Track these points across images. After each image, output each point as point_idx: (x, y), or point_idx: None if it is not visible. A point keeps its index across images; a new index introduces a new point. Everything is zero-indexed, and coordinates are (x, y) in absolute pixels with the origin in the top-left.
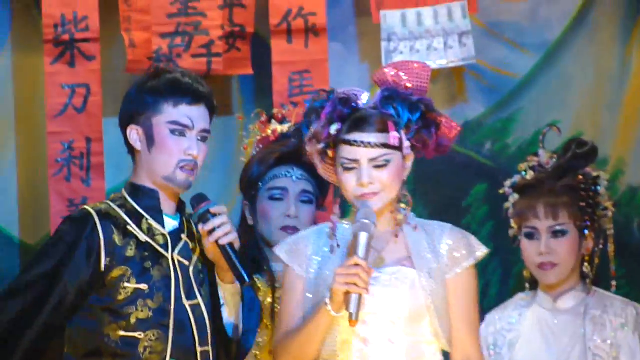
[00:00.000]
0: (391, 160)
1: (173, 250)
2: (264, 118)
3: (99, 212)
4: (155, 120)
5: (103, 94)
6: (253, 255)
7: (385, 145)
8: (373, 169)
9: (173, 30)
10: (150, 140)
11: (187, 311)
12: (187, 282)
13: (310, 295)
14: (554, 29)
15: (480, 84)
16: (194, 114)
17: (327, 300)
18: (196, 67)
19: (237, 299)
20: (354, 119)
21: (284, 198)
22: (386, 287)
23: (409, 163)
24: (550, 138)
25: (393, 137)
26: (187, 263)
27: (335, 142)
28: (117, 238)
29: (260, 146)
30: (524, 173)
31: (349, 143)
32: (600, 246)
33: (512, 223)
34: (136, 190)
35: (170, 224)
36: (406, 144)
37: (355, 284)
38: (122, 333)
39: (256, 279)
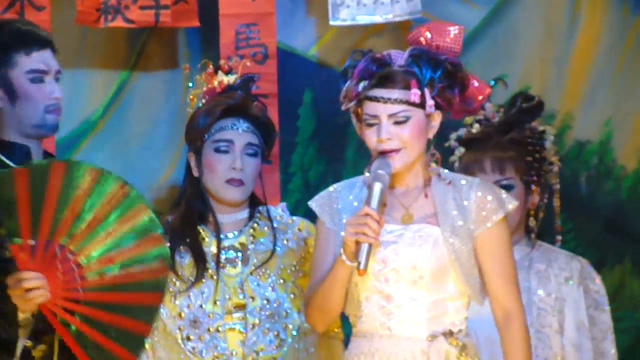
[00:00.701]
0: (411, 117)
1: None
2: (210, 69)
3: None
4: (12, 74)
5: None
6: (198, 207)
7: (406, 102)
8: (393, 125)
9: None
10: (11, 94)
11: None
12: None
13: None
14: None
15: None
16: (46, 58)
17: (341, 250)
18: (144, 19)
19: None
20: (378, 76)
21: (230, 150)
22: (409, 246)
23: (435, 123)
24: (497, 92)
25: (414, 93)
26: None
27: (361, 100)
28: None
29: (207, 97)
30: (470, 126)
31: (370, 99)
32: (546, 200)
33: None
34: (6, 147)
35: None
36: (429, 102)
37: (364, 234)
38: None
39: (201, 230)
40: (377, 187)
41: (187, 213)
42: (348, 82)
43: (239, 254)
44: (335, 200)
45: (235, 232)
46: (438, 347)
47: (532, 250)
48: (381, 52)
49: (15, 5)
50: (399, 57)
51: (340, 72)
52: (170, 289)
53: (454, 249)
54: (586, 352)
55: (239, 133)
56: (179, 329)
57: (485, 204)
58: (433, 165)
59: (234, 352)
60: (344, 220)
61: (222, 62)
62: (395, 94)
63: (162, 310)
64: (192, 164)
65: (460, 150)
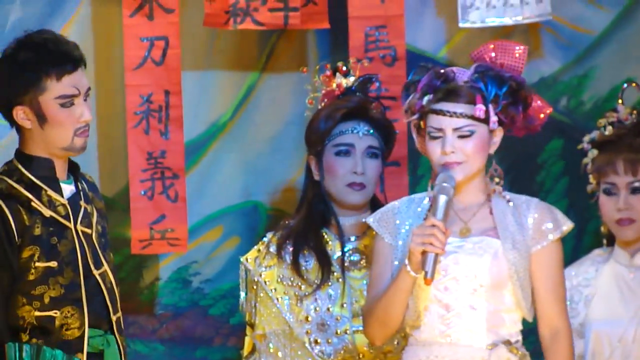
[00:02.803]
0: (475, 132)
1: (75, 222)
2: (328, 72)
3: (1, 194)
4: (42, 99)
5: (182, 47)
6: (320, 210)
7: (471, 117)
8: (457, 139)
9: None
10: (41, 118)
11: (97, 281)
12: (93, 251)
13: (397, 263)
14: None
15: (556, 41)
16: (76, 81)
17: (406, 261)
18: (273, 22)
19: None
20: (444, 90)
21: (351, 154)
22: (469, 255)
23: (497, 139)
24: (628, 94)
25: (479, 109)
26: (89, 231)
27: (425, 113)
28: (25, 217)
29: (325, 100)
30: (602, 129)
31: (436, 112)
32: None
33: (591, 179)
34: (29, 161)
35: (67, 189)
36: (493, 118)
37: (431, 244)
38: (37, 314)
39: (324, 234)
40: (443, 199)
41: (310, 216)
42: (411, 96)
43: (363, 257)
44: (394, 216)
45: (358, 235)
46: (499, 355)
47: None
48: (445, 68)
49: (144, 7)
50: (463, 74)
51: (403, 86)
52: (296, 293)
53: (514, 262)
54: None
55: (359, 137)
56: (306, 332)
57: (542, 223)
58: (496, 180)
59: (361, 355)
60: (412, 230)
61: (339, 64)
62: (461, 108)
63: (288, 315)
64: (313, 167)
65: (593, 152)
